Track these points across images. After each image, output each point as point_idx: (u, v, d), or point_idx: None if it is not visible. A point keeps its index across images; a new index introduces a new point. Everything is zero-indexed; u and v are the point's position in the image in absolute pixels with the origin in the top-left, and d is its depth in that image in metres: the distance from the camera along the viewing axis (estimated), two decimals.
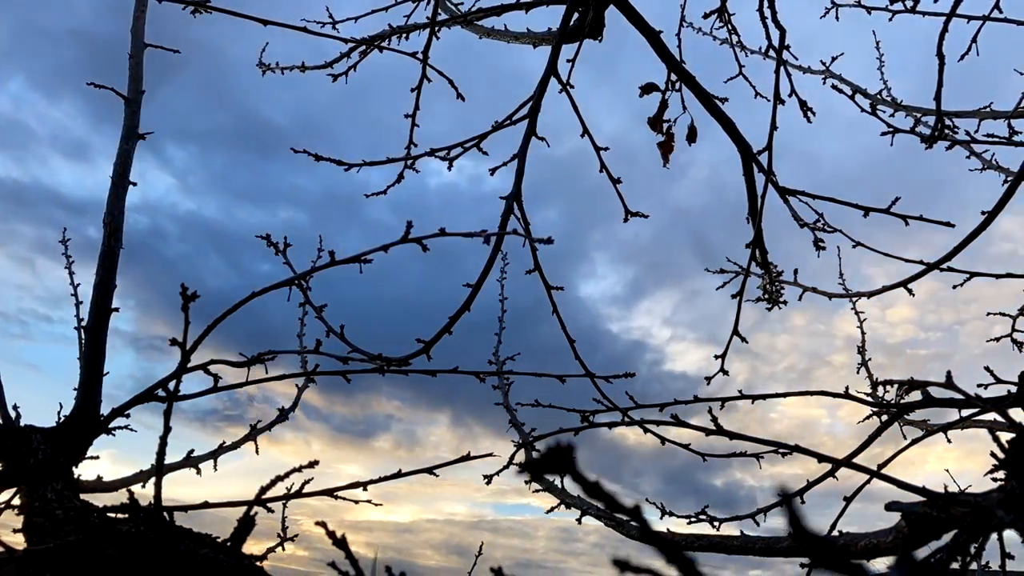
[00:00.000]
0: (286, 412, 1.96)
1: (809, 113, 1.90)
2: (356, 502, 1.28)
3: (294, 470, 1.16)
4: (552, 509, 1.87)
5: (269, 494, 1.08)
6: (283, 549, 1.12)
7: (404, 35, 2.22)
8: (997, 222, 1.49)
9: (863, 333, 2.67)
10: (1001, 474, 0.98)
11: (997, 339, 2.28)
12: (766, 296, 2.12)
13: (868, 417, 1.66)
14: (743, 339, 1.88)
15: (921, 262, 1.70)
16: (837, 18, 2.54)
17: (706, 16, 2.39)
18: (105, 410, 1.41)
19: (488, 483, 2.02)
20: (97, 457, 1.43)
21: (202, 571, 0.89)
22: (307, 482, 1.20)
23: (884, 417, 1.45)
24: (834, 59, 2.65)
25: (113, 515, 1.01)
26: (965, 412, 1.28)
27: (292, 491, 1.17)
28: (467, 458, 1.35)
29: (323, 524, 0.71)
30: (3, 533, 1.07)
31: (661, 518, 1.75)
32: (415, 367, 1.45)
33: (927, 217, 1.72)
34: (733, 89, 2.33)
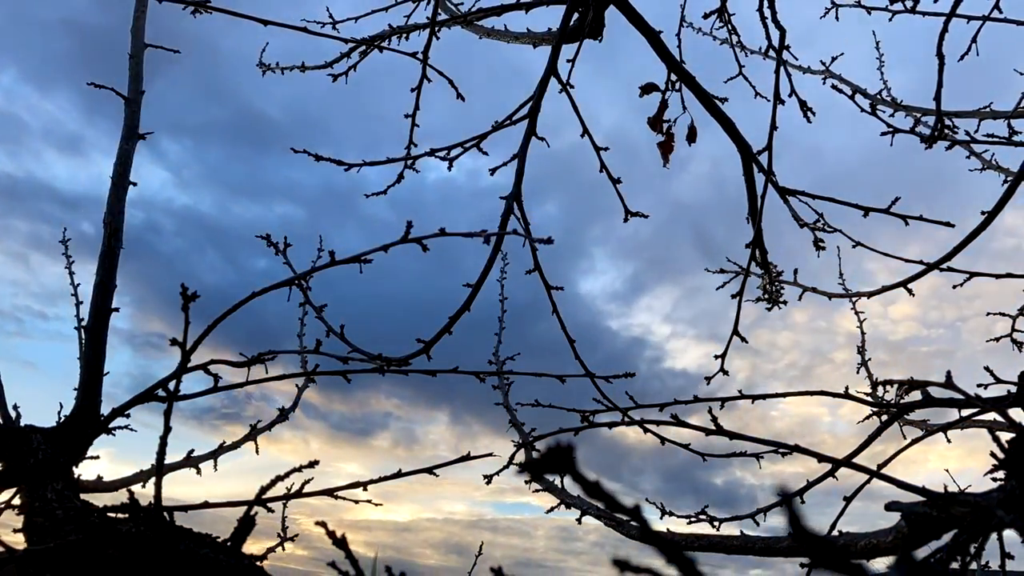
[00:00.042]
0: (286, 412, 1.96)
1: (809, 113, 1.90)
2: (356, 502, 1.28)
3: (294, 470, 1.16)
4: (552, 509, 1.87)
5: (269, 494, 1.08)
6: (283, 549, 1.12)
7: (404, 35, 2.22)
8: (1001, 217, 1.49)
9: (863, 333, 2.67)
10: (1001, 474, 0.98)
11: (997, 339, 2.28)
12: (766, 296, 2.12)
13: (868, 417, 1.66)
14: (743, 339, 1.88)
15: (921, 262, 1.70)
16: (837, 18, 2.54)
17: (706, 16, 2.39)
18: (104, 409, 1.41)
19: (488, 483, 2.02)
20: (97, 457, 1.44)
21: (202, 571, 0.89)
22: (307, 482, 1.20)
23: (884, 417, 1.45)
24: (834, 59, 2.65)
25: (113, 515, 1.01)
26: (965, 412, 1.28)
27: (292, 491, 1.17)
28: (467, 458, 1.35)
29: (323, 524, 0.71)
30: (3, 533, 1.07)
31: (661, 518, 1.75)
32: (415, 367, 1.45)
33: (927, 217, 1.72)
34: (733, 89, 2.33)
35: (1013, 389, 1.15)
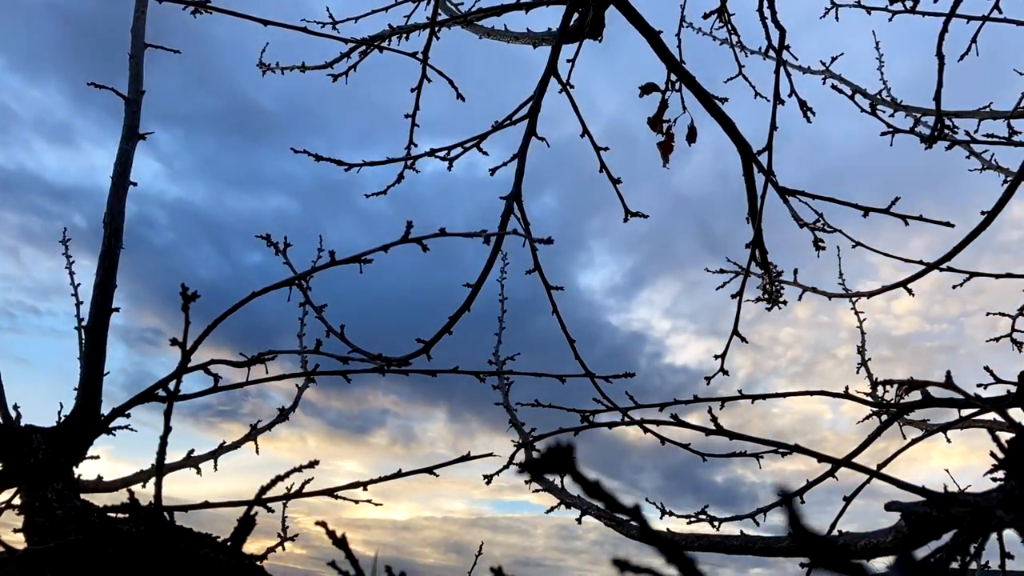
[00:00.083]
0: (286, 412, 1.96)
1: (809, 113, 1.90)
2: (356, 502, 1.28)
3: (294, 470, 1.16)
4: (552, 509, 1.87)
5: (269, 494, 1.08)
6: (283, 549, 1.12)
7: (404, 35, 2.22)
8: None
9: (863, 333, 2.68)
10: (1001, 474, 0.98)
11: (997, 339, 2.28)
12: (766, 296, 2.12)
13: (868, 417, 1.66)
14: (743, 339, 1.88)
15: (921, 262, 1.70)
16: (837, 18, 2.54)
17: (706, 16, 2.39)
18: (104, 407, 1.41)
19: (488, 483, 2.02)
20: (97, 457, 1.44)
21: (202, 571, 0.89)
22: (307, 482, 1.20)
23: (884, 417, 1.45)
24: (834, 59, 2.65)
25: (113, 515, 1.01)
26: (965, 412, 1.28)
27: (292, 491, 1.17)
28: (467, 458, 1.35)
29: (323, 524, 0.71)
30: (3, 533, 1.07)
31: (661, 518, 1.75)
32: (415, 367, 1.45)
33: (927, 217, 1.72)
34: (733, 89, 2.33)
35: (1013, 389, 1.15)
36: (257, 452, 1.81)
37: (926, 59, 1.90)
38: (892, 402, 1.89)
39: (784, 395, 1.60)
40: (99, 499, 1.19)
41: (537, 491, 1.93)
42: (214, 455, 1.70)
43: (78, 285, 1.85)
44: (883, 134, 2.23)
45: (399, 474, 1.29)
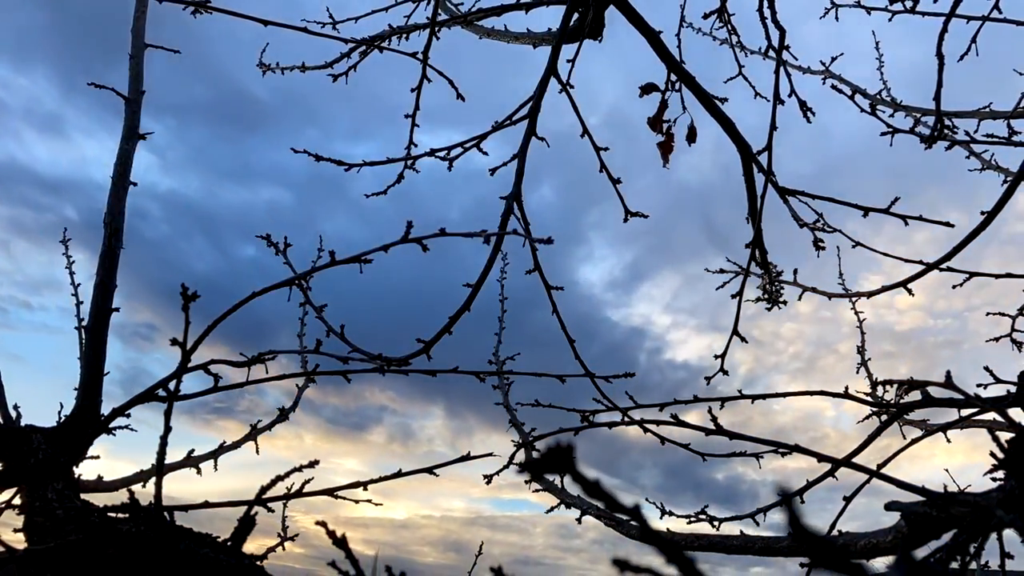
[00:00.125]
0: (286, 412, 1.96)
1: (809, 113, 1.90)
2: (356, 502, 1.28)
3: (294, 470, 1.17)
4: (552, 509, 1.87)
5: (269, 493, 1.08)
6: (283, 549, 1.12)
7: (404, 35, 2.22)
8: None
9: (863, 333, 2.68)
10: (1001, 474, 0.98)
11: (996, 339, 2.28)
12: (766, 296, 2.12)
13: (868, 417, 1.66)
14: (743, 339, 1.88)
15: (920, 262, 1.70)
16: (837, 18, 2.54)
17: (706, 16, 2.39)
18: (103, 406, 1.41)
19: (488, 483, 2.02)
20: (97, 457, 1.44)
21: (202, 571, 0.89)
22: (307, 481, 1.20)
23: (884, 417, 1.45)
24: (834, 59, 2.65)
25: (113, 515, 1.01)
26: (965, 412, 1.28)
27: (292, 490, 1.17)
28: (467, 458, 1.35)
29: (323, 524, 0.71)
30: (4, 533, 1.07)
31: (661, 517, 1.75)
32: (415, 367, 1.46)
33: (927, 217, 1.72)
34: (733, 89, 2.33)
35: (1013, 389, 1.15)
36: (257, 452, 1.82)
37: (926, 59, 1.91)
38: (892, 402, 1.89)
39: (783, 395, 1.60)
40: (99, 499, 1.20)
41: (537, 491, 1.93)
42: (214, 455, 1.70)
43: (78, 285, 1.85)
44: (883, 134, 2.23)
45: (399, 474, 1.29)
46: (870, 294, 2.03)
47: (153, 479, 1.02)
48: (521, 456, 1.97)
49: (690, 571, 0.33)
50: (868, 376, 2.61)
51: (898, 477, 1.18)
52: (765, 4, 1.99)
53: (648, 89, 1.94)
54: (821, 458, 1.32)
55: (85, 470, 1.45)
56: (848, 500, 1.36)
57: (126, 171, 1.63)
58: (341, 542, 0.67)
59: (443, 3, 2.26)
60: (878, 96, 2.59)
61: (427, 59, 2.12)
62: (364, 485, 1.26)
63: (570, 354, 1.65)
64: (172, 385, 1.10)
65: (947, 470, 1.55)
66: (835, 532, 1.31)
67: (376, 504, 1.31)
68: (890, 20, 2.27)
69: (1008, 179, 2.28)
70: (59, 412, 1.42)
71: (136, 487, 1.53)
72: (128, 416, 1.31)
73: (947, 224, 1.69)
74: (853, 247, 1.95)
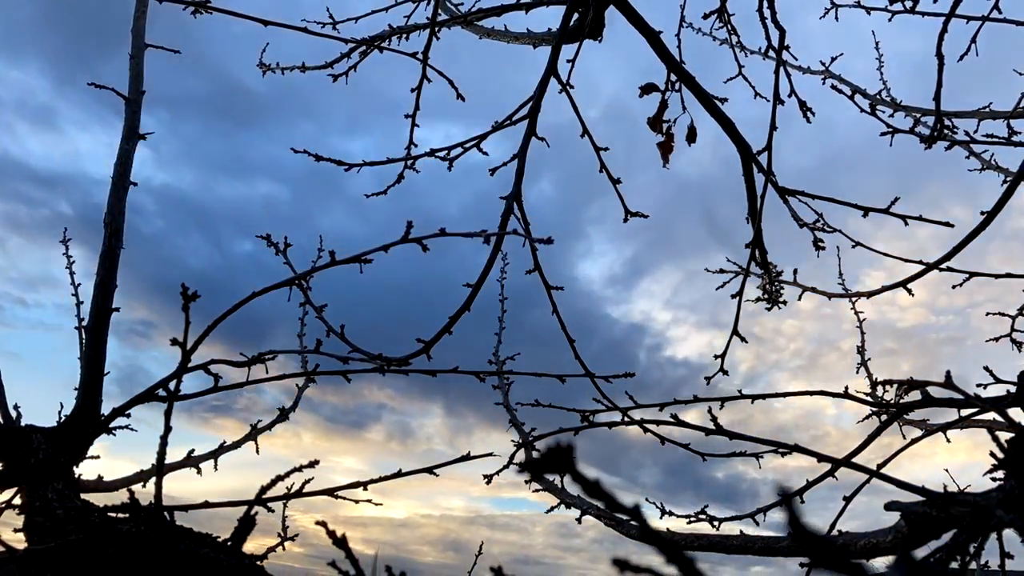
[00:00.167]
0: (286, 412, 1.96)
1: (809, 113, 1.90)
2: (356, 501, 1.28)
3: (294, 469, 1.17)
4: (552, 509, 1.87)
5: (269, 493, 1.08)
6: (283, 548, 1.12)
7: (404, 35, 2.22)
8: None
9: (862, 333, 2.67)
10: (1000, 474, 0.98)
11: (996, 339, 2.28)
12: (766, 296, 2.12)
13: (868, 417, 1.66)
14: (743, 339, 1.88)
15: (920, 262, 1.70)
16: (837, 18, 2.54)
17: (706, 16, 2.39)
18: (103, 406, 1.42)
19: (488, 483, 2.02)
20: (97, 456, 1.44)
21: (202, 571, 0.89)
22: (307, 481, 1.20)
23: (884, 417, 1.45)
24: (834, 59, 2.65)
25: (114, 515, 1.01)
26: (965, 411, 1.28)
27: (292, 490, 1.17)
28: (467, 458, 1.35)
29: (323, 523, 0.71)
30: (4, 533, 1.07)
31: (661, 517, 1.75)
32: (415, 366, 1.46)
33: (927, 217, 1.72)
34: (733, 89, 2.33)
35: (1013, 389, 1.15)
36: (257, 452, 1.82)
37: (926, 59, 1.91)
38: (892, 402, 1.89)
39: (783, 395, 1.60)
40: (99, 499, 1.20)
41: (537, 491, 1.93)
42: (214, 455, 1.70)
43: (79, 285, 1.85)
44: (883, 134, 2.23)
45: (399, 474, 1.29)
46: (870, 294, 2.03)
47: (153, 479, 1.02)
48: (521, 456, 1.97)
49: (690, 571, 0.33)
50: (868, 376, 2.61)
51: (898, 477, 1.18)
52: (765, 4, 1.99)
53: (648, 89, 1.94)
54: (821, 458, 1.33)
55: (85, 470, 1.45)
56: (848, 500, 1.36)
57: (126, 171, 1.63)
58: (341, 542, 0.67)
59: (443, 3, 2.26)
60: (878, 96, 2.59)
61: (427, 59, 2.12)
62: (364, 485, 1.26)
63: (570, 353, 1.65)
64: (172, 385, 1.10)
65: (947, 470, 1.56)
66: (835, 532, 1.31)
67: (376, 504, 1.31)
68: (890, 20, 2.27)
69: (1008, 179, 2.28)
70: (59, 412, 1.42)
71: (136, 487, 1.53)
72: (128, 416, 1.31)
73: (947, 224, 1.69)
74: (853, 247, 1.95)
